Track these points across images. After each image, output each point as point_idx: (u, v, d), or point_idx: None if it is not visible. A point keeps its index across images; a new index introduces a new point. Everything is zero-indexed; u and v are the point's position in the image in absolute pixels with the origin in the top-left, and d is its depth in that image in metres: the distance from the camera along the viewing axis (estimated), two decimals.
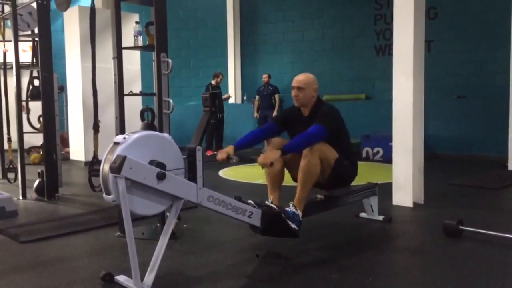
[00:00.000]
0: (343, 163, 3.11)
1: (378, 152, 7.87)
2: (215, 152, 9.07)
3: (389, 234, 3.48)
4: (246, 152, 3.27)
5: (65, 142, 8.27)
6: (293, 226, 2.83)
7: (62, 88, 8.67)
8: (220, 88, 9.41)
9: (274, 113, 9.18)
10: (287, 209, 2.88)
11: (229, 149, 3.10)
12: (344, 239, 3.33)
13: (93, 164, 4.39)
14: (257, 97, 9.46)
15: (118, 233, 3.38)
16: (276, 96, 9.27)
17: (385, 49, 9.17)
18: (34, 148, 6.86)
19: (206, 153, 8.81)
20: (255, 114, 9.48)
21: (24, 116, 5.14)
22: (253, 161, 2.93)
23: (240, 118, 9.97)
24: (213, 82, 9.15)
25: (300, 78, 3.26)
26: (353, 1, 9.56)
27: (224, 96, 9.31)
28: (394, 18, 4.25)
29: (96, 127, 4.43)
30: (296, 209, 2.90)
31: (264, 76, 9.36)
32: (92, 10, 4.23)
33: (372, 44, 9.37)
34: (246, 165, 7.50)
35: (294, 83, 3.26)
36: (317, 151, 2.95)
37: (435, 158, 7.48)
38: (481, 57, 8.28)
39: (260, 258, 2.85)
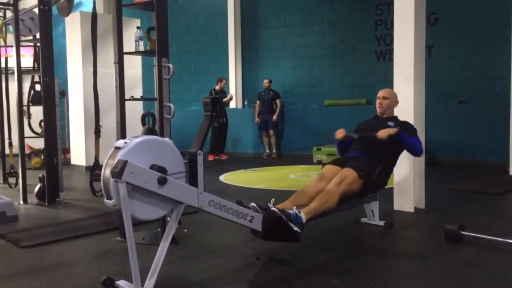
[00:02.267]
0: (370, 179, 3.34)
1: None
2: (216, 157, 9.08)
3: (390, 239, 3.47)
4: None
5: (66, 150, 8.28)
6: (296, 228, 2.79)
7: (64, 93, 8.68)
8: (225, 93, 9.46)
9: (274, 117, 9.20)
10: (290, 211, 2.86)
11: (343, 131, 3.67)
12: (345, 244, 3.33)
13: (94, 169, 4.40)
14: (257, 102, 9.48)
15: (119, 238, 3.38)
16: (277, 101, 9.28)
17: (386, 54, 9.18)
18: (33, 151, 6.87)
19: (208, 158, 8.82)
20: (256, 119, 9.49)
21: (25, 120, 5.15)
22: (372, 136, 3.47)
23: (241, 123, 9.97)
24: (217, 87, 9.20)
25: (386, 90, 3.86)
26: (354, 6, 9.58)
27: (226, 99, 9.32)
28: (394, 24, 4.26)
29: (97, 132, 4.43)
30: (300, 212, 2.89)
31: (265, 81, 9.39)
32: (94, 15, 4.24)
33: (372, 49, 9.38)
34: (247, 170, 7.50)
35: (379, 94, 3.82)
36: (342, 189, 3.17)
37: (436, 163, 7.47)
38: (481, 62, 8.28)
39: (260, 262, 2.85)
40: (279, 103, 9.27)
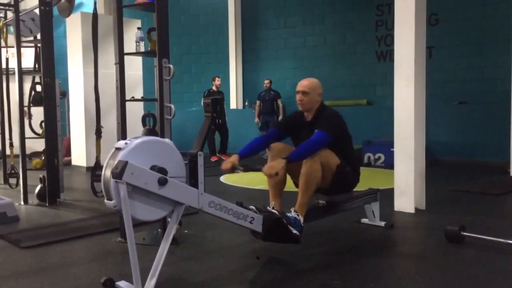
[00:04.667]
0: (345, 169, 3.12)
1: (379, 157, 7.86)
2: (212, 158, 9.07)
3: (391, 240, 3.47)
4: (251, 159, 3.31)
5: (68, 150, 8.27)
6: (295, 231, 2.83)
7: (64, 94, 8.68)
8: (222, 93, 9.39)
9: (281, 117, 9.15)
10: (289, 214, 2.88)
11: (233, 159, 3.12)
12: (346, 245, 3.33)
13: (95, 170, 4.40)
14: (258, 102, 9.46)
15: (119, 238, 3.38)
16: (278, 101, 9.27)
17: (386, 55, 9.19)
18: (34, 154, 6.87)
19: (211, 159, 8.81)
20: (256, 120, 9.48)
21: (26, 121, 5.15)
22: (258, 170, 3.02)
23: (242, 124, 9.97)
24: (213, 87, 9.13)
25: (305, 83, 3.28)
26: (354, 7, 9.59)
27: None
28: (395, 24, 4.26)
29: (98, 133, 4.43)
30: (298, 215, 2.90)
31: (266, 81, 9.37)
32: (95, 16, 4.24)
33: (373, 50, 9.39)
34: (248, 172, 7.49)
35: (298, 88, 3.28)
36: (318, 156, 2.95)
37: (436, 164, 7.47)
38: (482, 63, 8.28)
39: (261, 262, 2.85)
40: (280, 103, 9.25)
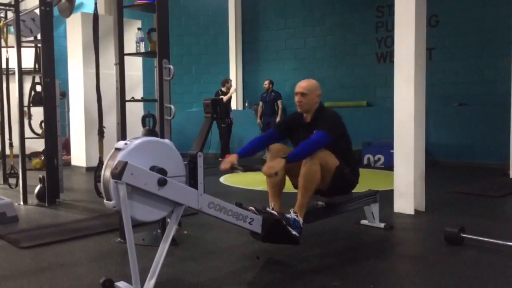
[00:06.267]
0: (343, 171, 3.11)
1: (379, 159, 7.87)
2: (220, 159, 9.07)
3: (391, 241, 3.47)
4: (249, 160, 3.29)
5: (68, 149, 8.28)
6: (294, 232, 2.83)
7: (64, 94, 8.67)
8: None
9: (278, 119, 9.18)
10: (288, 215, 2.88)
11: (232, 159, 3.10)
12: (345, 246, 3.33)
13: (98, 170, 4.40)
14: (260, 103, 9.46)
15: (119, 239, 3.38)
16: (279, 102, 9.27)
17: (387, 56, 9.19)
18: (34, 154, 6.88)
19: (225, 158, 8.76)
20: (258, 121, 9.48)
21: (26, 121, 5.15)
22: (258, 170, 3.04)
23: (242, 125, 9.97)
24: (223, 88, 9.10)
25: (303, 84, 3.27)
26: (355, 8, 9.60)
27: (230, 92, 9.17)
28: (395, 26, 4.27)
29: (101, 133, 4.43)
30: (297, 216, 2.90)
31: (265, 82, 9.34)
32: (95, 16, 4.25)
33: (373, 51, 9.39)
34: (248, 172, 7.49)
35: (297, 89, 3.27)
36: (317, 157, 2.95)
37: (436, 166, 7.47)
38: (482, 64, 8.29)
39: (260, 263, 2.85)
40: (280, 104, 9.25)
